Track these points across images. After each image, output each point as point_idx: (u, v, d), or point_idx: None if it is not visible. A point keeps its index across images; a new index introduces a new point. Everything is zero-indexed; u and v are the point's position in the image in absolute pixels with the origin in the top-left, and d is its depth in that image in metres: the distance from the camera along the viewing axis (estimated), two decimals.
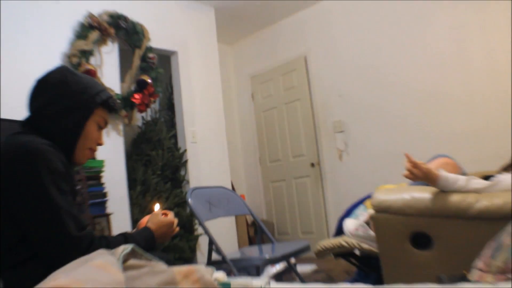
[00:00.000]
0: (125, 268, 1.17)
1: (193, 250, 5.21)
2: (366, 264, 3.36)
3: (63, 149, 1.70)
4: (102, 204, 4.33)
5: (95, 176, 4.36)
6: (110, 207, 4.38)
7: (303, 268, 5.07)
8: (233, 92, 7.51)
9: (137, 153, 5.30)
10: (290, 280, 4.50)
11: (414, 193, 2.47)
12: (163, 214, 2.02)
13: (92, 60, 4.62)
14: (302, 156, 6.59)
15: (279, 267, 4.47)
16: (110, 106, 1.87)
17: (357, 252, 3.23)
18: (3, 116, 3.55)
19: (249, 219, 6.36)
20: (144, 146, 5.34)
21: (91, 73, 4.41)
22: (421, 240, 2.43)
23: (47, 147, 1.61)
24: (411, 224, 2.44)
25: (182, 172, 5.52)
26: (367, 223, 3.03)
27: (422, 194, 2.42)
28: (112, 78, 4.79)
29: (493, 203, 2.17)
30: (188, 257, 5.07)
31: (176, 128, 5.71)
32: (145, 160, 5.24)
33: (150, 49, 5.12)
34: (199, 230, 5.25)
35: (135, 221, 4.66)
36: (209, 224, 3.32)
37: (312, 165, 6.43)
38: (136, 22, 5.02)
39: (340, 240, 3.17)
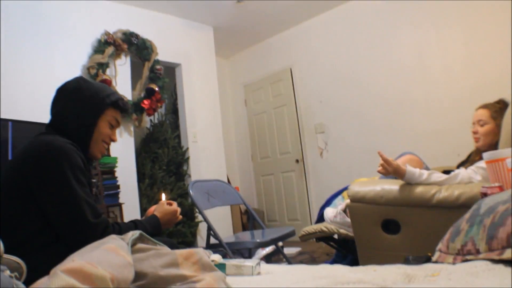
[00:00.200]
0: (134, 251, 1.16)
1: (194, 235, 5.20)
2: (343, 247, 3.36)
3: (80, 145, 1.70)
4: (115, 195, 4.33)
5: (109, 171, 4.36)
6: (122, 198, 4.39)
7: (289, 250, 5.07)
8: (228, 99, 7.50)
9: (146, 151, 5.29)
10: (278, 260, 4.49)
11: (384, 185, 2.47)
12: (168, 203, 2.02)
13: (108, 71, 4.65)
14: (288, 153, 6.58)
15: (268, 249, 4.46)
16: (120, 106, 1.86)
17: (336, 236, 3.22)
18: (27, 119, 3.56)
19: (243, 208, 6.35)
20: (151, 145, 5.34)
21: (107, 82, 4.43)
22: (391, 226, 2.44)
23: (68, 145, 1.62)
24: (382, 212, 2.44)
25: (185, 167, 5.51)
26: (344, 211, 3.03)
27: (391, 186, 2.42)
28: (124, 86, 4.82)
29: (452, 194, 2.17)
30: (189, 241, 5.07)
31: (180, 129, 5.70)
32: (152, 157, 5.24)
33: (157, 62, 5.12)
34: (199, 217, 5.24)
35: (143, 209, 4.66)
36: (208, 213, 3.31)
37: (297, 161, 6.42)
38: (146, 39, 5.03)
39: (321, 226, 3.16)
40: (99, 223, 1.58)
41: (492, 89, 4.01)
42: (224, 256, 2.30)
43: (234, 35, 6.60)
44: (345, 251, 3.37)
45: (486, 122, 2.65)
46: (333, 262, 3.44)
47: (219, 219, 5.36)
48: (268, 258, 4.46)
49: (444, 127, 4.76)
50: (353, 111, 5.71)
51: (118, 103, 1.85)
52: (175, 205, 2.03)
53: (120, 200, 4.35)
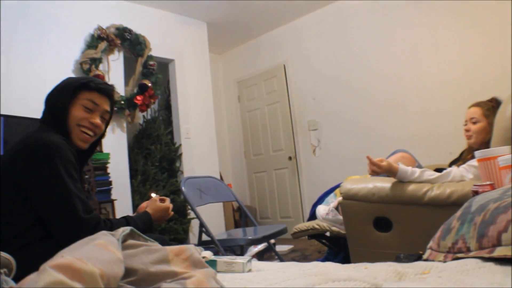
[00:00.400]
0: (124, 247, 1.15)
1: (186, 232, 5.20)
2: (335, 244, 3.36)
3: (64, 136, 1.69)
4: (108, 191, 4.33)
5: (102, 167, 4.36)
6: (114, 194, 4.39)
7: (281, 248, 5.08)
8: (222, 95, 7.49)
9: (138, 147, 5.28)
10: (270, 258, 4.50)
11: (376, 183, 2.47)
12: (161, 199, 2.02)
13: (101, 66, 4.63)
14: (281, 151, 6.58)
15: (260, 246, 4.47)
16: (92, 87, 1.79)
17: (328, 234, 3.23)
18: (20, 114, 3.55)
19: (235, 205, 6.35)
20: (144, 141, 5.32)
21: (100, 77, 4.39)
22: (382, 224, 2.44)
23: (61, 141, 1.61)
24: (374, 210, 2.45)
25: (177, 164, 5.50)
26: (337, 208, 3.03)
27: (383, 184, 2.43)
28: (117, 82, 4.78)
29: (443, 192, 2.18)
30: (181, 238, 5.06)
31: (172, 126, 5.69)
32: (145, 153, 5.23)
33: (150, 57, 5.10)
34: (191, 214, 5.23)
35: (136, 206, 4.65)
36: (200, 209, 3.31)
37: (290, 158, 6.43)
38: (139, 34, 5.01)
39: (313, 224, 3.17)
40: (91, 219, 1.58)
41: (485, 91, 4.02)
42: (216, 253, 2.30)
43: (228, 31, 6.59)
44: (337, 248, 3.38)
45: (479, 120, 2.67)
46: (325, 259, 3.44)
47: (212, 216, 5.36)
48: (260, 256, 4.47)
49: (437, 126, 4.78)
50: (346, 108, 5.72)
51: (89, 84, 1.78)
52: (167, 201, 2.03)
53: (113, 197, 4.35)
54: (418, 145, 4.69)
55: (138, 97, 4.83)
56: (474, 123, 2.69)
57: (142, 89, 4.89)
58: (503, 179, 1.71)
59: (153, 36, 5.21)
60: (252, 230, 3.55)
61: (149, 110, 5.43)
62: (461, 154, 2.96)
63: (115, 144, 4.68)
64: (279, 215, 6.60)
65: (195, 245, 1.53)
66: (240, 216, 5.84)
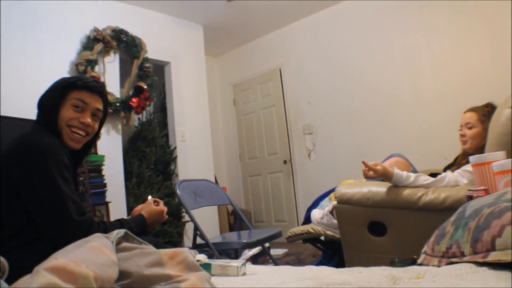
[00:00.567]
0: (118, 250, 1.15)
1: (180, 235, 5.19)
2: (330, 249, 3.36)
3: (56, 136, 1.68)
4: (102, 194, 4.31)
5: (96, 169, 4.34)
6: (109, 196, 4.37)
7: (276, 252, 5.07)
8: (217, 98, 7.49)
9: (133, 149, 5.28)
10: (265, 261, 4.49)
11: (371, 187, 2.48)
12: (155, 202, 2.01)
13: (97, 68, 4.62)
14: (276, 154, 6.58)
15: (255, 250, 4.47)
16: (79, 85, 1.76)
17: (322, 238, 3.23)
18: (15, 115, 3.53)
19: (230, 208, 6.34)
20: (139, 143, 5.32)
21: (95, 79, 4.38)
22: (377, 228, 2.44)
23: (54, 142, 1.61)
24: (369, 214, 2.45)
25: (172, 167, 5.49)
26: (331, 212, 3.04)
27: (378, 188, 2.43)
28: (113, 84, 4.79)
29: (438, 197, 2.19)
30: (176, 241, 5.05)
31: (168, 128, 5.69)
32: (140, 155, 5.22)
33: (146, 60, 5.10)
34: (186, 217, 5.23)
35: (130, 208, 4.64)
36: (195, 213, 3.30)
37: (285, 162, 6.43)
38: (135, 36, 5.01)
39: (308, 228, 3.17)
40: (84, 221, 1.57)
41: (480, 92, 4.05)
42: (211, 256, 2.30)
43: (224, 34, 6.60)
44: (331, 252, 3.38)
45: (474, 125, 2.68)
46: (320, 263, 3.45)
47: (206, 219, 5.35)
48: (254, 259, 4.47)
49: (431, 130, 4.80)
50: (341, 113, 5.73)
51: (77, 83, 1.76)
52: (161, 204, 2.02)
53: (107, 199, 4.33)
54: (413, 149, 4.70)
55: (134, 99, 4.82)
56: (470, 128, 2.70)
57: (138, 91, 4.89)
58: (498, 184, 1.72)
59: (149, 38, 5.21)
60: (246, 234, 3.55)
61: (144, 112, 5.43)
62: (456, 159, 2.96)
63: (110, 146, 4.67)
64: (273, 218, 6.60)
65: (190, 248, 1.52)
66: (234, 220, 5.83)
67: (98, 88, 1.82)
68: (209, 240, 3.07)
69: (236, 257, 3.56)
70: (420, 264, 1.38)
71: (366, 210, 2.46)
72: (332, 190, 3.26)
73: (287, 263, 4.43)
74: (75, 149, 1.77)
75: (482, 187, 1.67)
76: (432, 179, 2.36)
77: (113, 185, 4.53)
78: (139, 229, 1.82)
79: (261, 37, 6.83)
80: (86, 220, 1.58)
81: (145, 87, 4.93)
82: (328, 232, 3.03)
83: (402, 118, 5.11)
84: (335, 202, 2.69)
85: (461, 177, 2.36)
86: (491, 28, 4.41)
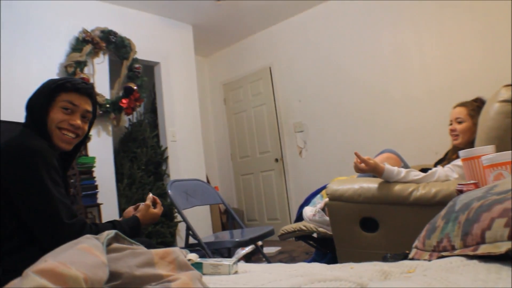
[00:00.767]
0: (109, 251, 1.14)
1: (173, 235, 5.18)
2: (322, 245, 3.37)
3: (46, 139, 1.67)
4: (94, 196, 4.30)
5: (87, 171, 4.33)
6: (101, 198, 4.36)
7: (269, 250, 5.08)
8: (208, 98, 7.48)
9: (124, 150, 5.26)
10: (258, 260, 4.50)
11: (362, 183, 2.48)
12: (153, 199, 2.01)
13: (86, 69, 4.61)
14: (267, 153, 6.59)
15: (248, 249, 4.47)
16: (68, 87, 1.75)
17: (315, 235, 3.23)
18: (4, 118, 3.51)
19: (222, 207, 6.34)
20: (130, 144, 5.30)
21: (84, 81, 4.36)
22: (369, 224, 2.45)
23: (43, 145, 1.60)
24: (360, 210, 2.46)
25: (164, 167, 5.48)
26: (323, 209, 3.04)
27: (370, 184, 2.44)
28: (103, 85, 4.78)
29: (429, 192, 2.20)
30: (168, 242, 5.04)
31: (158, 129, 5.67)
32: (131, 156, 5.20)
33: (136, 60, 5.09)
34: (178, 217, 5.22)
35: (122, 210, 4.62)
36: (187, 212, 3.30)
37: (276, 160, 6.44)
38: (124, 37, 5.00)
39: (300, 225, 3.17)
40: (74, 224, 1.56)
41: (469, 88, 4.07)
42: (203, 256, 2.29)
43: (214, 34, 6.59)
44: (324, 249, 3.39)
45: (464, 119, 2.69)
46: (313, 260, 3.45)
47: (198, 219, 5.35)
48: (247, 258, 4.47)
49: (422, 127, 4.83)
50: (332, 110, 5.75)
51: (66, 85, 1.74)
52: (159, 207, 2.01)
53: (99, 201, 4.32)
54: (404, 146, 4.71)
55: (124, 100, 4.81)
56: (460, 123, 2.71)
57: (128, 92, 4.87)
58: (487, 178, 1.72)
59: (139, 39, 5.19)
60: (239, 233, 3.55)
61: (134, 113, 5.41)
62: (446, 154, 2.98)
63: (101, 147, 4.65)
64: (266, 217, 6.60)
65: (182, 248, 1.52)
66: (227, 219, 5.84)
67: (87, 90, 1.81)
68: (201, 239, 3.07)
69: (229, 256, 3.56)
70: (412, 259, 1.39)
71: (357, 206, 2.46)
72: (324, 187, 3.26)
73: (280, 261, 4.42)
74: (66, 150, 1.77)
75: (472, 181, 1.68)
76: (422, 174, 2.37)
77: (105, 186, 4.52)
78: (132, 231, 1.82)
79: (251, 36, 6.83)
80: (77, 223, 1.58)
81: (135, 88, 4.92)
82: (321, 229, 3.04)
83: (393, 115, 5.13)
84: (327, 199, 2.70)
85: (451, 171, 2.38)
86: (479, 25, 4.44)
